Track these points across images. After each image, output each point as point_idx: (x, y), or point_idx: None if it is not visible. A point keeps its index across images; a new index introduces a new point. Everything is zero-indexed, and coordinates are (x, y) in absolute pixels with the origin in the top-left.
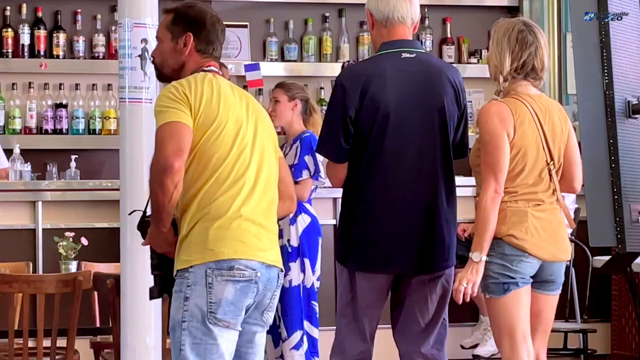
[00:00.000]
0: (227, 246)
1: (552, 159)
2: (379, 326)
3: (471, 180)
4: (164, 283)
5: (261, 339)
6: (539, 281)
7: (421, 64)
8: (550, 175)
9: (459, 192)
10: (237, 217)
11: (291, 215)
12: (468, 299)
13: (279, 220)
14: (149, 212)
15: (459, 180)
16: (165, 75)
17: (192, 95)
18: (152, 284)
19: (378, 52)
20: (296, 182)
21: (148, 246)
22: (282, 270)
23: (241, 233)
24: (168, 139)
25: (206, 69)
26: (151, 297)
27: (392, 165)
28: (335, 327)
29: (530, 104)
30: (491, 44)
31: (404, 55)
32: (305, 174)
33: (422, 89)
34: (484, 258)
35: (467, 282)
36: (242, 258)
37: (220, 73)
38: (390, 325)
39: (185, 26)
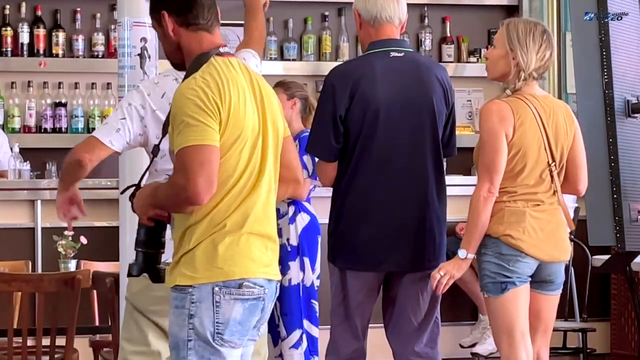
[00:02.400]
0: (237, 265)
1: (553, 160)
2: (373, 325)
3: (469, 180)
4: (147, 262)
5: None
6: (538, 281)
7: (410, 63)
8: (552, 177)
9: (457, 191)
10: (247, 233)
11: (290, 215)
12: (443, 291)
13: (284, 200)
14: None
15: (456, 179)
16: (176, 64)
17: (222, 105)
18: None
19: (367, 51)
20: None
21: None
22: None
23: (250, 249)
24: (199, 168)
25: (222, 51)
26: (129, 275)
27: (382, 163)
28: (329, 327)
29: (533, 104)
30: (510, 43)
31: (393, 54)
32: (304, 174)
33: (411, 88)
34: (470, 256)
35: (446, 274)
36: (251, 277)
37: (233, 54)
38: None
39: (158, 6)
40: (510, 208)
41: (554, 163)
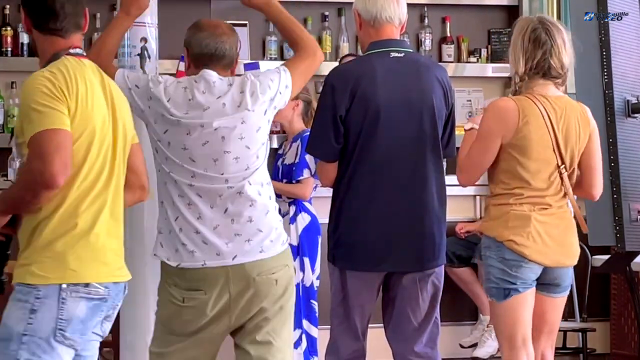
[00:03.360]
0: (91, 269)
1: (563, 162)
2: (373, 325)
3: None
4: None
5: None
6: (543, 283)
7: (410, 63)
8: (562, 179)
9: (457, 191)
10: (100, 233)
11: (291, 214)
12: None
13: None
14: None
15: (456, 179)
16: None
17: (69, 95)
18: (138, 282)
19: (367, 52)
20: (297, 181)
21: (144, 245)
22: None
23: (104, 253)
24: (54, 151)
25: (72, 51)
26: None
27: (382, 164)
28: (329, 327)
29: (542, 104)
30: (510, 44)
31: (393, 54)
32: (306, 173)
33: (411, 88)
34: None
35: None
36: (102, 281)
37: (85, 55)
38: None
39: (22, 2)
40: (515, 212)
41: (563, 165)
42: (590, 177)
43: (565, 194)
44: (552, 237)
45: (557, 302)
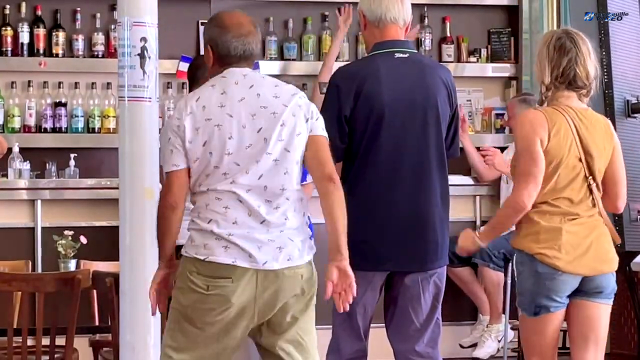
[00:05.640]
0: None
1: (591, 173)
2: (374, 325)
3: (469, 180)
4: None
5: None
6: (585, 291)
7: (414, 64)
8: (591, 191)
9: (458, 191)
10: None
11: None
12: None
13: None
14: None
15: (457, 179)
16: None
17: None
18: (139, 282)
19: (371, 52)
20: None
21: (144, 245)
22: None
23: None
24: None
25: None
26: None
27: (386, 164)
28: (331, 326)
29: (570, 115)
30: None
31: (397, 55)
32: (309, 178)
33: (415, 89)
34: (483, 244)
35: (461, 250)
36: None
37: None
38: (384, 324)
39: None
40: (545, 225)
41: (591, 177)
42: (615, 189)
43: (594, 203)
44: (584, 247)
45: (602, 309)
